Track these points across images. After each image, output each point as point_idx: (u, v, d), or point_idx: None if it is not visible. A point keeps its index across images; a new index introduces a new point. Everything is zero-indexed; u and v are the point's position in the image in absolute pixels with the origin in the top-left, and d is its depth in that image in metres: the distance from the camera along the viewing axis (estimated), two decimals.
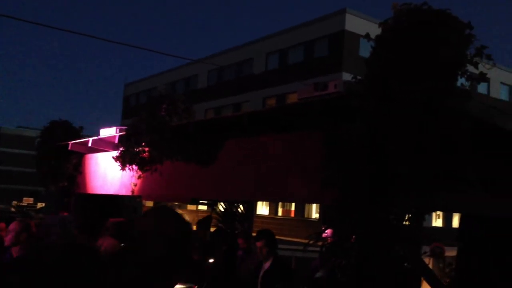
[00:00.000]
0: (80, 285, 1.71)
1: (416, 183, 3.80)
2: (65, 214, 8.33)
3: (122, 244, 4.80)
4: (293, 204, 27.26)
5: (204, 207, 14.11)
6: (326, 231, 6.11)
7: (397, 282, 4.34)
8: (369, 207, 4.01)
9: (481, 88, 30.45)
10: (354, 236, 4.31)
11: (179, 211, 1.70)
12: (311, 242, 4.98)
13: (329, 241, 5.53)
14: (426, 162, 3.69)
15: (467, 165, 3.84)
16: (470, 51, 3.66)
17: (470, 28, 3.60)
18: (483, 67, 3.58)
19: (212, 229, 8.17)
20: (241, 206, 9.21)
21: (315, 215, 26.39)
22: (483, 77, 3.68)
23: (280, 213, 28.88)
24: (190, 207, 27.20)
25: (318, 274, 6.24)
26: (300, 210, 27.17)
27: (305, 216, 26.86)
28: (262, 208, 29.52)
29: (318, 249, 5.59)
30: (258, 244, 5.31)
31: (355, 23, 25.29)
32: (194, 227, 9.14)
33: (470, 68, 3.70)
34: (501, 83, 32.90)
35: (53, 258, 1.80)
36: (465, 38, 3.55)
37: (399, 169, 3.73)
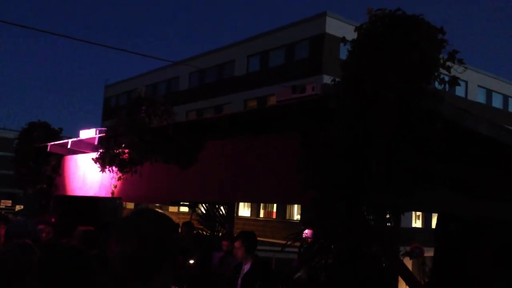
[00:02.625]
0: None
1: (392, 183, 3.88)
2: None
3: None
4: (275, 206, 27.31)
5: (186, 209, 14.08)
6: (306, 232, 6.18)
7: (374, 281, 4.41)
8: (346, 207, 4.08)
9: (459, 91, 30.92)
10: (332, 236, 4.36)
11: (162, 212, 1.64)
12: (289, 243, 5.03)
13: (309, 241, 5.59)
14: (401, 162, 3.78)
15: (440, 166, 3.94)
16: (443, 55, 3.76)
17: (443, 33, 3.70)
18: (456, 71, 3.68)
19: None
20: (222, 207, 9.23)
21: (296, 216, 26.50)
22: (455, 81, 3.78)
23: (262, 214, 28.91)
24: (172, 208, 27.06)
25: (298, 275, 6.28)
26: (281, 211, 27.23)
27: (287, 217, 26.93)
28: (244, 210, 29.51)
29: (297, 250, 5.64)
30: (236, 244, 5.33)
31: (336, 26, 25.49)
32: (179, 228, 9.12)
33: (444, 71, 3.80)
34: (478, 86, 33.47)
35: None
36: (438, 42, 3.65)
37: (375, 169, 3.80)
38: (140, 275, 1.46)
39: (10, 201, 42.64)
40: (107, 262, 1.50)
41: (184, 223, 7.80)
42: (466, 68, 3.72)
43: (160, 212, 1.64)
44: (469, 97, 32.35)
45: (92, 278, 1.91)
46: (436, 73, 3.69)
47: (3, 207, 38.69)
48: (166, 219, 1.61)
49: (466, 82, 31.49)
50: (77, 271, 1.91)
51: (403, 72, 3.52)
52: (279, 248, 5.90)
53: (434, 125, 3.67)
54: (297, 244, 5.31)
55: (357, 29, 3.85)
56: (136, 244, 1.47)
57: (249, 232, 5.61)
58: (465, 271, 5.96)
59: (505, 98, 35.84)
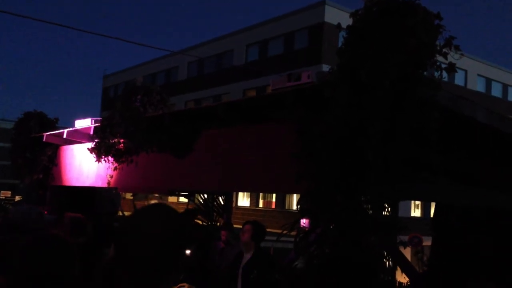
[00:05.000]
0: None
1: (388, 173, 3.83)
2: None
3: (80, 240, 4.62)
4: (274, 196, 27.35)
5: (186, 199, 14.07)
6: (304, 222, 6.15)
7: (371, 270, 4.38)
8: (341, 197, 4.04)
9: (458, 79, 30.83)
10: (327, 225, 4.33)
11: (173, 208, 1.53)
12: (285, 232, 5.00)
13: (306, 230, 5.56)
14: (397, 151, 3.73)
15: (436, 155, 3.89)
16: (439, 42, 3.70)
17: (439, 19, 3.63)
18: (452, 58, 3.62)
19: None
20: (220, 197, 9.20)
21: (295, 206, 26.52)
22: (452, 67, 3.73)
23: (261, 204, 28.96)
24: (171, 199, 27.11)
25: (295, 264, 6.27)
26: (281, 201, 27.27)
27: (286, 207, 26.98)
28: (243, 200, 29.55)
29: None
30: (246, 226, 5.29)
31: (335, 15, 25.31)
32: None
33: (441, 59, 3.74)
34: (478, 75, 33.35)
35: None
36: (434, 28, 3.58)
37: (371, 159, 3.75)
38: (152, 276, 1.39)
39: (10, 192, 42.70)
40: (93, 251, 1.45)
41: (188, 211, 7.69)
42: (462, 54, 3.66)
43: (172, 208, 1.52)
44: (469, 86, 32.25)
45: (74, 267, 1.86)
46: (432, 60, 3.63)
47: (3, 197, 38.74)
48: (177, 217, 1.51)
49: (466, 71, 31.37)
50: (60, 260, 1.86)
51: (399, 58, 3.46)
52: (278, 238, 5.89)
53: (431, 113, 3.62)
54: (294, 233, 5.28)
55: (352, 15, 3.78)
56: (145, 244, 1.39)
57: (261, 224, 5.60)
58: (463, 261, 5.94)
59: (505, 87, 35.75)
